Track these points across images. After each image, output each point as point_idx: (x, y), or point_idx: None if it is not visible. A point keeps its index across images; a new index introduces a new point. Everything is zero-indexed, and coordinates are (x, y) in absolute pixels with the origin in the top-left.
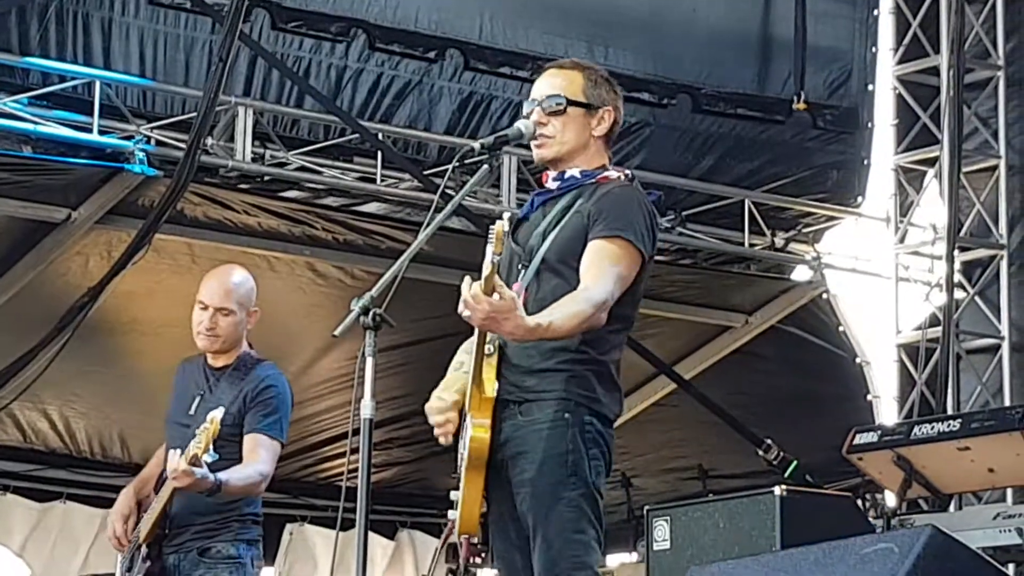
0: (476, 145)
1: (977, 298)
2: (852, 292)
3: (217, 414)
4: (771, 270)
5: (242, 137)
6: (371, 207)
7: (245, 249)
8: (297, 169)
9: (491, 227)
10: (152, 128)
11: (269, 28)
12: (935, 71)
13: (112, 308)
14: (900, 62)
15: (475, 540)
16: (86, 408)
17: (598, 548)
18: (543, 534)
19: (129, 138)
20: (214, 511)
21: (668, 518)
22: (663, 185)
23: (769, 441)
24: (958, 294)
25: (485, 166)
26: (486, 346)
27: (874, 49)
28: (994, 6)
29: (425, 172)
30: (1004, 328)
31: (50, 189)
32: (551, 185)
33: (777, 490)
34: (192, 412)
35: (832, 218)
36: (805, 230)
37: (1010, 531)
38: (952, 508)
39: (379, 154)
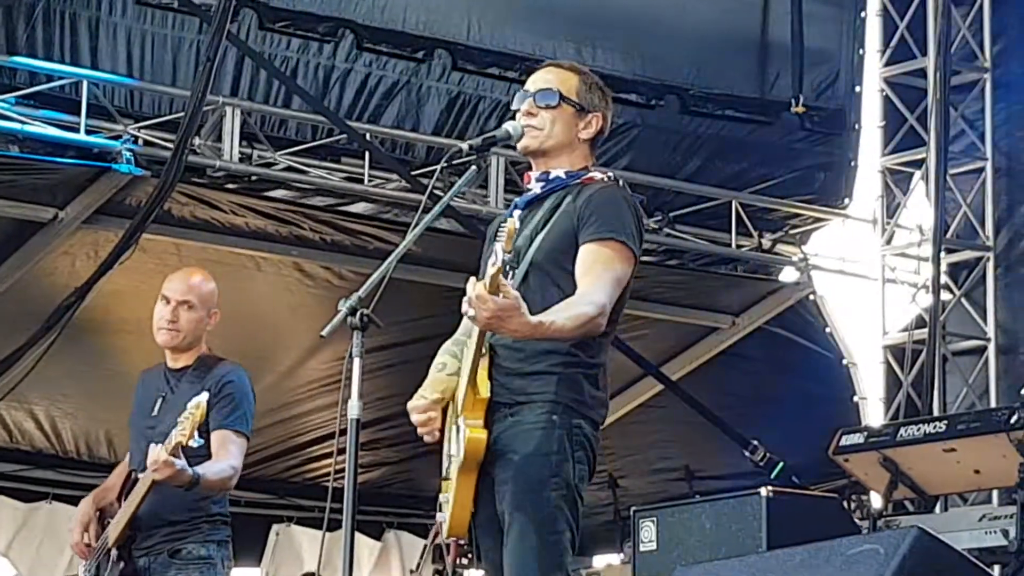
0: (464, 146)
1: (963, 300)
2: (839, 293)
3: (202, 398)
4: (758, 271)
5: (229, 137)
6: (359, 207)
7: (232, 249)
8: (284, 169)
9: (501, 225)
10: (139, 128)
11: (257, 28)
12: (922, 73)
13: (99, 308)
14: (887, 64)
15: (462, 541)
16: (72, 408)
17: (571, 552)
18: (519, 529)
19: (116, 138)
20: (183, 512)
21: (655, 519)
22: (651, 186)
23: (755, 442)
24: (944, 296)
25: (473, 167)
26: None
27: (861, 51)
28: (981, 8)
29: (413, 172)
30: (990, 330)
31: (37, 188)
32: (534, 187)
33: (763, 491)
34: (155, 413)
35: (819, 219)
36: (792, 231)
37: (995, 532)
38: (938, 509)
39: (367, 154)
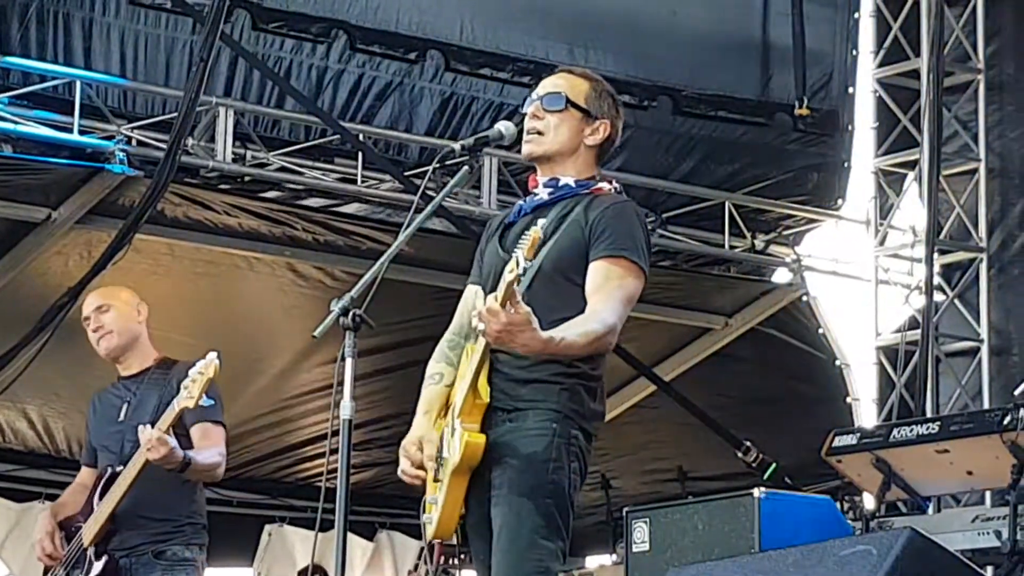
0: (457, 146)
1: (956, 301)
2: (832, 294)
3: (213, 358)
4: (751, 272)
5: (223, 137)
6: (352, 208)
7: (225, 249)
8: (278, 170)
9: (525, 233)
10: (132, 128)
11: (250, 28)
12: (915, 74)
13: None
14: (880, 65)
15: (454, 542)
16: (65, 408)
17: (561, 559)
18: (510, 532)
19: (109, 138)
20: (162, 512)
21: (647, 520)
22: (644, 187)
23: (748, 443)
24: (937, 297)
25: (465, 167)
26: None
27: (855, 52)
28: (974, 9)
29: (406, 173)
30: (983, 331)
31: (30, 189)
32: (542, 192)
33: (756, 492)
34: (122, 419)
35: (812, 220)
36: (785, 232)
37: (988, 533)
38: (931, 510)
39: (360, 155)
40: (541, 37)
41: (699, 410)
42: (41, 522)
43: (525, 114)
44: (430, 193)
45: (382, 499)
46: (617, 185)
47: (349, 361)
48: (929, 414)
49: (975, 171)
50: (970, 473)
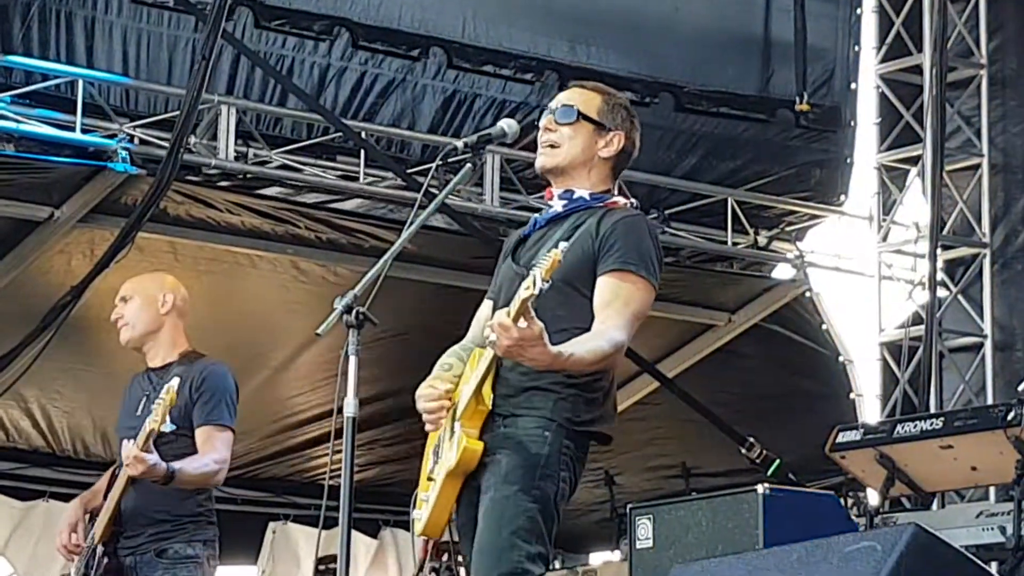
0: (459, 144)
1: (960, 296)
2: (835, 290)
3: (174, 383)
4: (754, 268)
5: (225, 135)
6: (354, 205)
7: (228, 247)
8: (280, 168)
9: (539, 246)
10: (135, 127)
11: (252, 26)
12: (918, 70)
13: (95, 306)
14: (883, 61)
15: (447, 540)
16: (68, 406)
17: (541, 565)
18: (491, 532)
19: (112, 136)
20: (166, 511)
21: (651, 516)
22: (646, 183)
23: (752, 439)
24: (941, 292)
25: (468, 165)
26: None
27: (857, 48)
28: (977, 5)
29: (408, 171)
30: (987, 326)
31: (33, 187)
32: (556, 204)
33: (760, 488)
34: (139, 413)
35: (815, 216)
36: (788, 228)
37: (993, 529)
38: (935, 506)
39: (362, 153)
40: (543, 34)
41: (702, 406)
42: (67, 511)
43: (538, 127)
44: (433, 191)
45: (386, 497)
46: (633, 200)
47: (353, 359)
48: (933, 410)
49: (978, 167)
50: (974, 469)
